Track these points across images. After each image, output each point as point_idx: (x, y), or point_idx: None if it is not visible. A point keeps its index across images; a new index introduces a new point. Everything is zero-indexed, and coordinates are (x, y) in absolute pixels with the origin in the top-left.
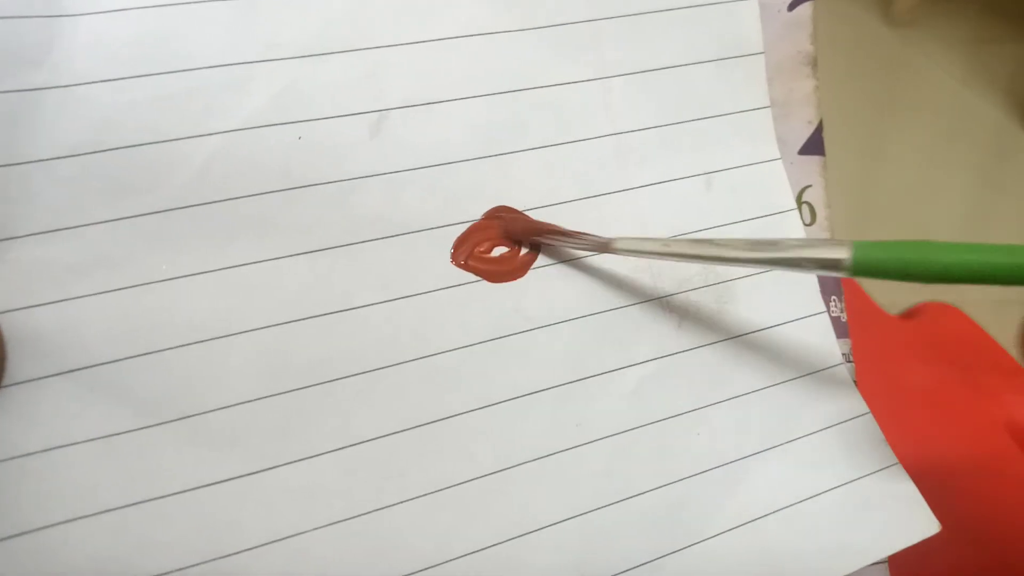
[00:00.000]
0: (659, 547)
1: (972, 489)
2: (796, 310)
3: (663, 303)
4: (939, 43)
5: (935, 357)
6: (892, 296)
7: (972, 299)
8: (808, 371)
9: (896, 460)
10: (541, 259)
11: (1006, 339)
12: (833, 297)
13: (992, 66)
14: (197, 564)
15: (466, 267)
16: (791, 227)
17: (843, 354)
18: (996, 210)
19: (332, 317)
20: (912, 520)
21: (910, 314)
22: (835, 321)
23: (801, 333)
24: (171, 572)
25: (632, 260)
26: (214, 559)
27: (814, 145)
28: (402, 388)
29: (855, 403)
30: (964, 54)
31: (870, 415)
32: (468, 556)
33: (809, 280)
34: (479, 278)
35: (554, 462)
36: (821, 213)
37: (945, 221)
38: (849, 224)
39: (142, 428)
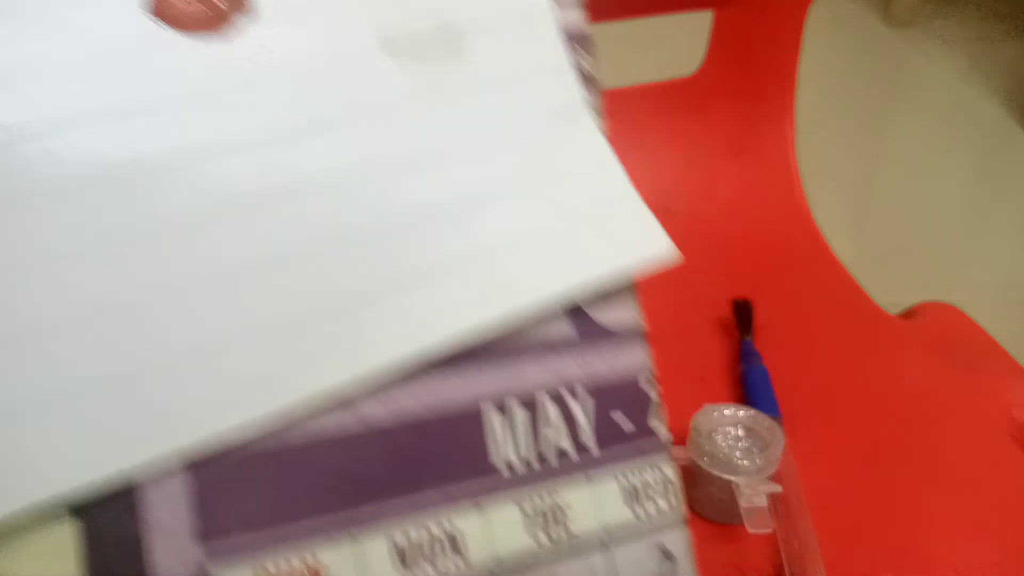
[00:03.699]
0: (385, 288)
1: (973, 489)
2: (537, 61)
3: (387, 42)
4: (938, 43)
5: (935, 358)
6: (891, 296)
7: (971, 299)
8: (547, 113)
9: (629, 183)
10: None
11: (1006, 339)
12: (577, 47)
13: (991, 65)
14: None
15: (159, 13)
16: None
17: (591, 104)
18: (995, 208)
19: None
20: (646, 240)
21: (909, 314)
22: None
23: (542, 82)
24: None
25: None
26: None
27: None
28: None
29: (590, 133)
30: (963, 53)
31: (605, 141)
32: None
33: (550, 33)
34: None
35: (263, 216)
36: None
37: (944, 219)
38: (848, 223)
39: None
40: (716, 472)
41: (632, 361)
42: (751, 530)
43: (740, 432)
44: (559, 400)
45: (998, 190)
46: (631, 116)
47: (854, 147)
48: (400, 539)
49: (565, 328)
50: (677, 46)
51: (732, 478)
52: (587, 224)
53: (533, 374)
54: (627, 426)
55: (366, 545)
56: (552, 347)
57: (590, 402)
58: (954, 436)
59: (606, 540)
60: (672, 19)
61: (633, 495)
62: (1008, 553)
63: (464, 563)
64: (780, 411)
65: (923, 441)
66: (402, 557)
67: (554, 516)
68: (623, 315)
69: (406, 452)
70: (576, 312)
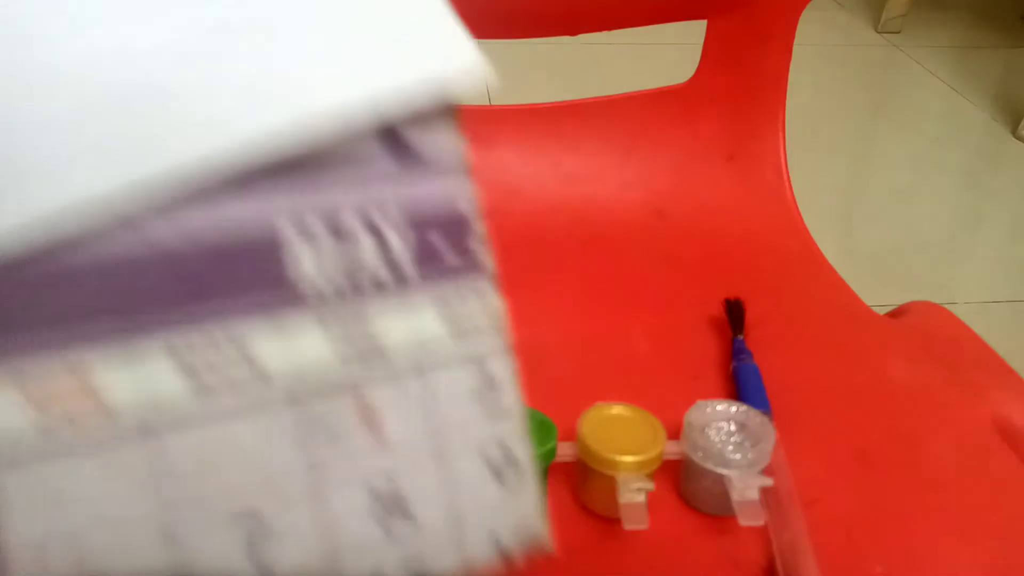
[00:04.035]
0: (165, 97)
1: (960, 484)
2: None
3: None
4: (928, 49)
5: (922, 356)
6: (879, 296)
7: (959, 301)
8: None
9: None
10: None
11: (993, 338)
12: None
13: (980, 71)
14: None
15: None
16: None
17: None
18: (984, 212)
19: None
20: (454, 53)
21: (897, 313)
22: None
23: None
24: None
25: None
26: None
27: None
28: None
29: None
30: (953, 60)
31: None
32: None
33: None
34: None
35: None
36: None
37: (933, 223)
38: (838, 226)
39: None
40: (709, 466)
41: (451, 187)
42: (743, 522)
43: (732, 427)
44: (370, 223)
45: (986, 192)
46: (627, 123)
47: (844, 151)
48: (187, 354)
49: (377, 151)
50: (671, 54)
51: (725, 472)
52: (391, 38)
53: (340, 195)
54: (446, 251)
55: (148, 356)
56: (363, 170)
57: (405, 227)
58: (942, 432)
59: (423, 366)
60: (666, 27)
61: (453, 321)
62: (995, 547)
63: (265, 386)
64: (771, 407)
65: (911, 437)
66: (189, 370)
67: (365, 340)
68: (441, 141)
69: (196, 269)
70: (390, 136)
